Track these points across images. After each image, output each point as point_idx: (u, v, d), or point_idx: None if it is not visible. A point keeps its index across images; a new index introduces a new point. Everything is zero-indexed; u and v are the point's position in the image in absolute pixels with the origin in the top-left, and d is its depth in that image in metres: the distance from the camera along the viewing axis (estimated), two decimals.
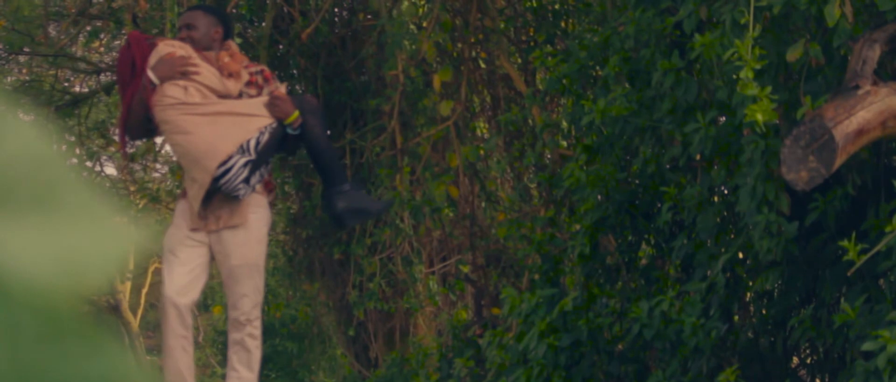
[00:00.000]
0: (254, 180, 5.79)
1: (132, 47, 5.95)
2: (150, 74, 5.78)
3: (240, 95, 5.95)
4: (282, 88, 6.07)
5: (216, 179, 5.73)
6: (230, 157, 5.73)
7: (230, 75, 5.93)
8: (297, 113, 5.90)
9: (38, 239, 0.59)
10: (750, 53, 4.79)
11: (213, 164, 5.71)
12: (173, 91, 5.78)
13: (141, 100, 5.85)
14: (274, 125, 5.87)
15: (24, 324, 0.57)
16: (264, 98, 5.94)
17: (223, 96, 5.88)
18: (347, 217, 6.16)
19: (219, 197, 5.81)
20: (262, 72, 6.12)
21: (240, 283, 5.85)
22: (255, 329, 5.91)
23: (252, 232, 5.88)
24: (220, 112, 5.81)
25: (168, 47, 5.88)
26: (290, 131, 5.91)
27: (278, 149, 6.04)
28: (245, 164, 5.75)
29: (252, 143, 5.79)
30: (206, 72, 5.86)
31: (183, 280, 5.79)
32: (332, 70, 9.77)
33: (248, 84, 6.01)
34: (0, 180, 0.58)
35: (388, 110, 8.86)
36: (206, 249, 5.88)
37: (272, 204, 6.22)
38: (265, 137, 5.83)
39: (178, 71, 5.77)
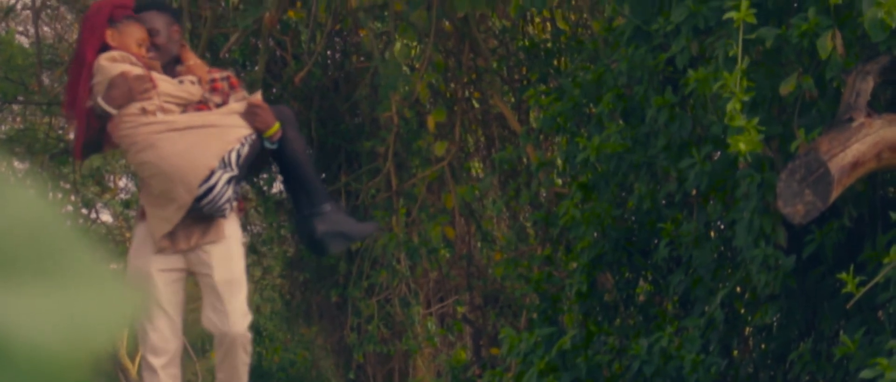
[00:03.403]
0: (234, 197, 5.27)
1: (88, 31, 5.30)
2: (103, 105, 5.15)
3: (205, 102, 5.37)
4: (257, 96, 5.46)
5: (198, 198, 5.16)
6: (212, 173, 5.16)
7: (193, 82, 5.34)
8: (278, 124, 5.34)
9: (41, 305, 0.58)
10: (738, 85, 4.79)
11: (195, 181, 5.13)
12: (132, 111, 5.18)
13: (97, 119, 5.23)
14: (253, 136, 5.28)
15: None
16: (239, 105, 5.36)
17: (185, 104, 5.30)
18: (328, 242, 5.59)
19: (191, 214, 5.24)
20: (227, 78, 5.52)
21: (225, 300, 5.28)
22: (247, 344, 5.39)
23: (231, 246, 5.35)
24: (193, 125, 5.23)
25: (113, 65, 5.20)
26: (267, 145, 5.35)
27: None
28: (228, 181, 5.19)
29: (233, 156, 5.22)
30: (163, 83, 5.25)
31: (164, 332, 5.29)
32: (325, 113, 9.78)
33: (213, 91, 5.40)
34: (2, 246, 0.57)
35: (382, 152, 8.86)
36: (182, 275, 5.34)
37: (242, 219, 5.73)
38: (245, 149, 5.26)
39: (137, 94, 5.15)
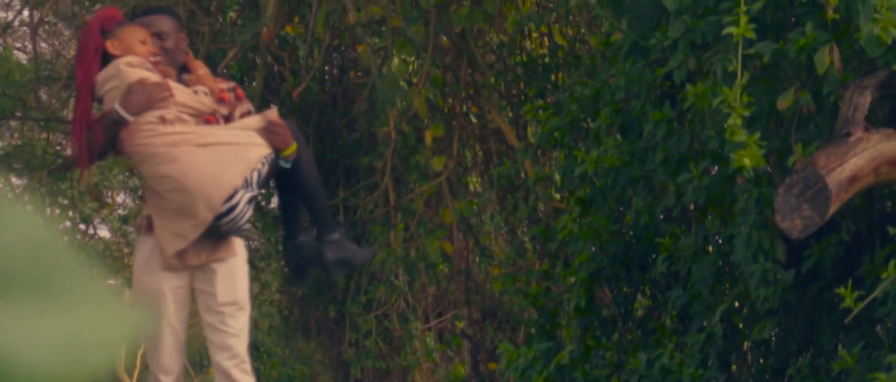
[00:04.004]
0: (252, 217, 5.17)
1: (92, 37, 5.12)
2: (120, 111, 4.96)
3: (212, 113, 5.24)
4: (274, 113, 5.29)
5: (218, 217, 5.00)
6: (236, 192, 5.00)
7: (206, 93, 5.20)
8: (295, 144, 5.19)
9: (39, 326, 0.58)
10: (738, 100, 4.79)
11: (219, 199, 4.97)
12: (151, 119, 5.01)
13: (107, 127, 5.03)
14: (271, 156, 5.14)
15: None
16: (256, 121, 5.22)
17: (198, 115, 5.15)
18: (335, 269, 5.47)
19: (205, 231, 5.09)
20: (234, 89, 5.43)
21: (228, 323, 5.17)
22: (246, 366, 5.26)
23: (237, 265, 5.23)
24: (217, 141, 5.08)
25: (130, 70, 5.02)
26: (282, 164, 5.19)
27: None
28: (249, 201, 5.05)
29: (254, 176, 5.07)
30: (180, 92, 5.10)
31: (173, 351, 5.21)
32: (323, 128, 9.78)
33: (220, 101, 5.29)
34: (0, 267, 0.57)
35: (380, 167, 8.86)
36: (189, 292, 5.22)
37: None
38: (265, 169, 5.12)
39: (156, 102, 4.99)
